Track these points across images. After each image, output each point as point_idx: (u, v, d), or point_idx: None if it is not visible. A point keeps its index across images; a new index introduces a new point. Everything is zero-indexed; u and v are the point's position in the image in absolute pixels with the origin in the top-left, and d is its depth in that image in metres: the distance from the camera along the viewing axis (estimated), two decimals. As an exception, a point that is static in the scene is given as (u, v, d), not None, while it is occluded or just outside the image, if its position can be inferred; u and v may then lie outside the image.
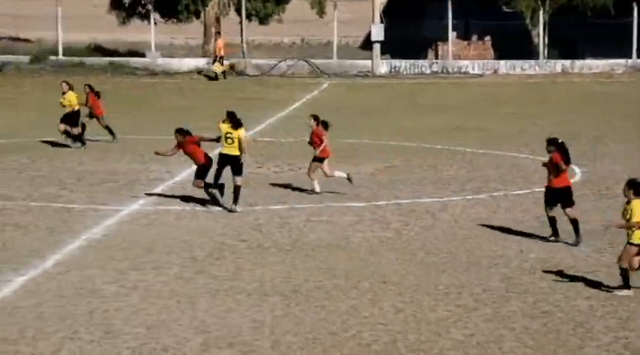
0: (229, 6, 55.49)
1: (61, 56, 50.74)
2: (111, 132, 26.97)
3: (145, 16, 54.73)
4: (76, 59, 50.31)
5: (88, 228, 16.98)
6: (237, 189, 18.39)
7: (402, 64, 51.79)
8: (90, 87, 27.11)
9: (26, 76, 45.24)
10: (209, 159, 18.70)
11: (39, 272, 14.12)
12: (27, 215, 17.86)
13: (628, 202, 13.22)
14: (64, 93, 26.17)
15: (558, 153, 16.18)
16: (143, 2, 54.99)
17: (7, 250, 15.34)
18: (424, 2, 59.94)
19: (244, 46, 52.90)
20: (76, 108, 25.99)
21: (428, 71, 51.69)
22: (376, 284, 13.80)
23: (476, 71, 51.69)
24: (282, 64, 51.28)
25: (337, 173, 20.39)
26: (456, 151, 26.34)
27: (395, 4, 60.12)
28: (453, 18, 53.34)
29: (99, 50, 55.78)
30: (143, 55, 53.16)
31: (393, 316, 12.47)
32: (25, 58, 49.49)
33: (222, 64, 47.77)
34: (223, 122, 18.60)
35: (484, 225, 17.45)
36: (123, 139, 27.03)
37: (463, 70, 51.79)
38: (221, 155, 18.55)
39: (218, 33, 49.66)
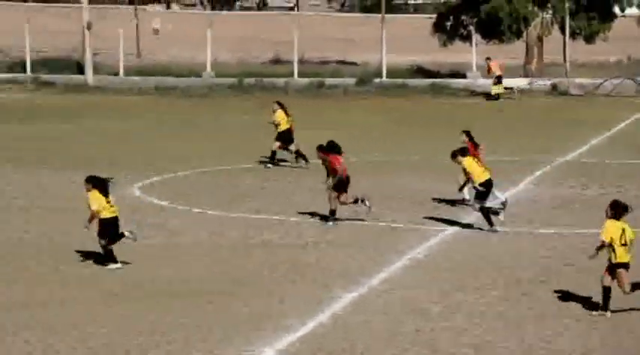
0: (552, 25, 54.69)
1: (384, 78, 51.99)
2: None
3: (467, 38, 55.02)
4: (399, 81, 51.32)
5: (411, 247, 17.19)
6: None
7: None
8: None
9: (352, 98, 46.65)
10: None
11: (366, 290, 14.44)
12: (354, 233, 18.33)
13: None
14: (274, 111, 26.34)
15: None
16: (465, 24, 55.36)
17: (336, 267, 15.81)
18: None
19: (567, 65, 51.89)
20: (288, 126, 26.12)
21: None
22: None
23: None
24: (606, 83, 49.80)
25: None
26: None
27: None
28: None
29: (420, 72, 56.65)
30: (464, 76, 53.44)
31: None
32: (352, 81, 51.09)
33: (499, 83, 46.93)
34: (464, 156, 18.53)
35: None
36: (443, 160, 27.12)
37: None
38: (487, 181, 18.40)
39: (488, 58, 48.87)
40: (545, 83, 50.29)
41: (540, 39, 54.52)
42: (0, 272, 15.13)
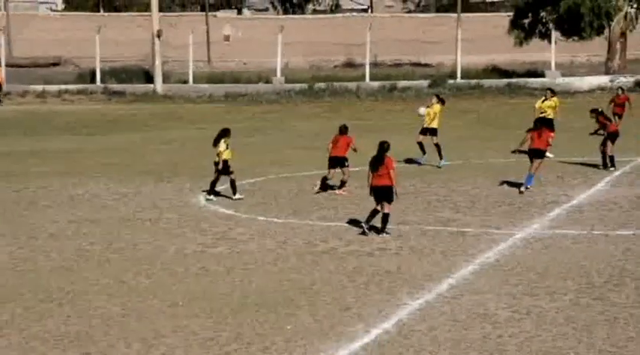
0: (637, 19, 53.53)
1: (459, 79, 51.36)
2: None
3: (545, 35, 54.15)
4: (473, 81, 50.69)
5: (481, 251, 16.77)
6: None
7: None
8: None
9: (424, 100, 46.11)
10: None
11: (433, 296, 14.08)
12: (422, 238, 17.99)
13: None
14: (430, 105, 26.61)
15: None
16: (544, 21, 54.44)
17: (403, 273, 15.49)
18: None
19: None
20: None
21: None
22: None
23: None
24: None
25: None
26: None
27: None
28: None
29: (496, 71, 55.91)
30: (542, 75, 52.57)
31: None
32: (425, 83, 50.59)
33: None
34: None
35: None
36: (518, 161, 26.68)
37: None
38: None
39: None
40: (627, 80, 49.24)
41: (623, 35, 53.39)
42: (64, 283, 15.10)
